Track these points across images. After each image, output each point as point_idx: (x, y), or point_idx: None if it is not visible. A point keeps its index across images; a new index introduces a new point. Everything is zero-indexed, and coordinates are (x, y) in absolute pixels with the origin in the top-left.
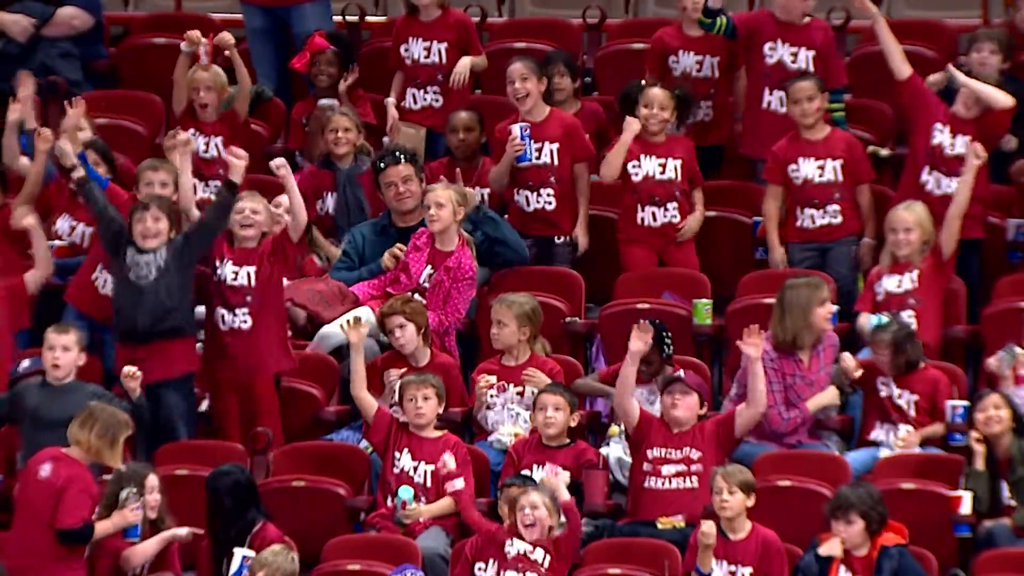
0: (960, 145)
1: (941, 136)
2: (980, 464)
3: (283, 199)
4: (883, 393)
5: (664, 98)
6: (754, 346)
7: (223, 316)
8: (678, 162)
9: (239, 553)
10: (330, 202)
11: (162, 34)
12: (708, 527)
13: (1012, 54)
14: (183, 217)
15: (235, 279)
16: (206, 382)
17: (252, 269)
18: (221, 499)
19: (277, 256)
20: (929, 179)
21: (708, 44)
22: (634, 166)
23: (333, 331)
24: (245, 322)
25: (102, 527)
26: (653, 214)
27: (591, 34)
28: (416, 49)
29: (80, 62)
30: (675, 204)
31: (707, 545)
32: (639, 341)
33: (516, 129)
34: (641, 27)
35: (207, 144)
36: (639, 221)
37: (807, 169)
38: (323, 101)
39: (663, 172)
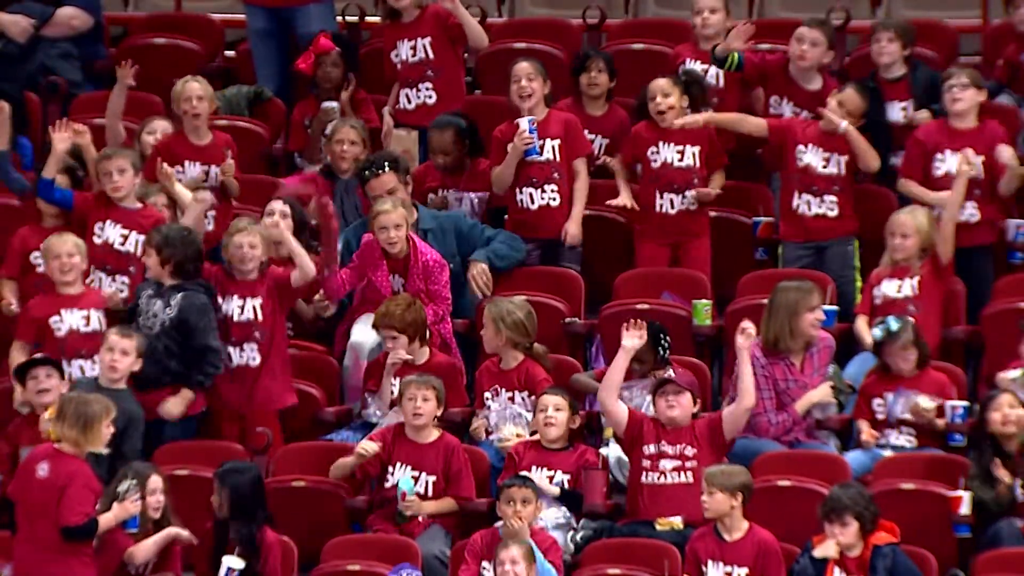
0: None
1: (945, 164)
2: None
3: (275, 206)
4: (880, 416)
5: (666, 85)
6: (745, 336)
7: (229, 353)
8: (696, 148)
9: (226, 562)
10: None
11: (162, 34)
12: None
13: (912, 43)
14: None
15: (241, 314)
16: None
17: (258, 302)
18: (243, 495)
19: (276, 295)
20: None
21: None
22: (652, 153)
23: (363, 340)
24: (254, 359)
25: (104, 520)
26: (672, 201)
27: (591, 34)
28: (404, 51)
29: (80, 62)
30: (693, 192)
31: None
32: (633, 338)
33: (524, 123)
34: (641, 27)
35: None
36: (657, 208)
37: (811, 158)
38: (326, 104)
39: (681, 159)
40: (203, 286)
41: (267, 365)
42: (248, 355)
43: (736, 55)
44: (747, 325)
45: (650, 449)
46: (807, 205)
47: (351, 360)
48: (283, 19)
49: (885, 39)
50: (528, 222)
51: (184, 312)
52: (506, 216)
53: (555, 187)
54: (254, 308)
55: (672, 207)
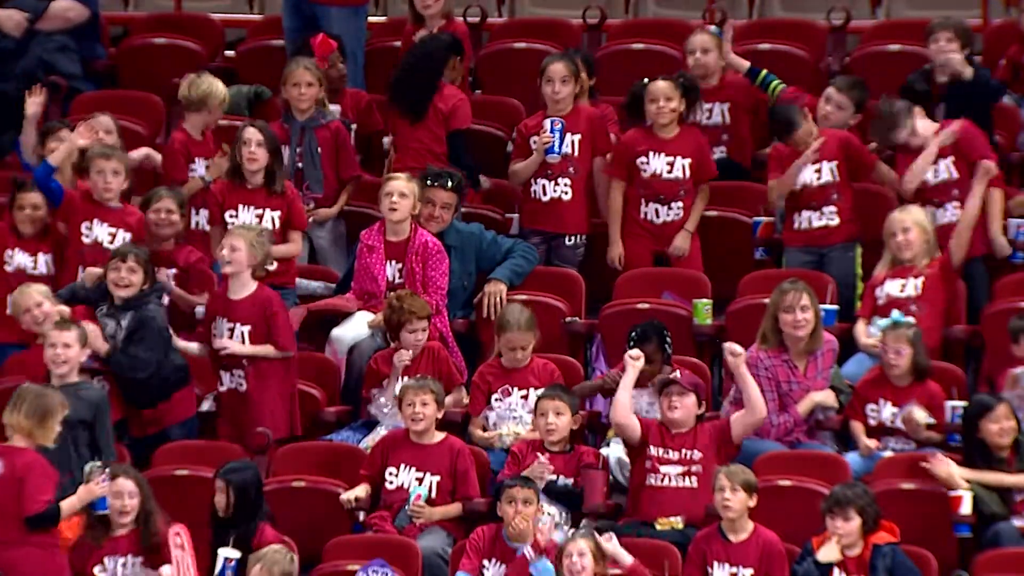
0: (943, 170)
1: (940, 173)
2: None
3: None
4: (873, 422)
5: (668, 88)
6: (733, 355)
7: (221, 375)
8: (687, 161)
9: (222, 554)
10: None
11: (162, 34)
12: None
13: (971, 42)
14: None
15: (230, 337)
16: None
17: (247, 329)
18: (247, 493)
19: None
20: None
21: (716, 94)
22: (643, 162)
23: (342, 333)
24: (241, 385)
25: (68, 504)
26: (656, 211)
27: (591, 34)
28: None
29: (78, 56)
30: (680, 204)
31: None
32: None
33: (547, 123)
34: (641, 27)
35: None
36: (641, 216)
37: (805, 174)
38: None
39: (671, 171)
40: (154, 291)
41: (258, 392)
42: (236, 380)
43: (775, 88)
44: (732, 346)
45: (652, 452)
46: (808, 221)
47: (329, 353)
48: (308, 16)
49: (944, 39)
50: (538, 212)
51: (132, 327)
52: (516, 214)
53: (568, 181)
54: (243, 334)
55: (657, 216)
